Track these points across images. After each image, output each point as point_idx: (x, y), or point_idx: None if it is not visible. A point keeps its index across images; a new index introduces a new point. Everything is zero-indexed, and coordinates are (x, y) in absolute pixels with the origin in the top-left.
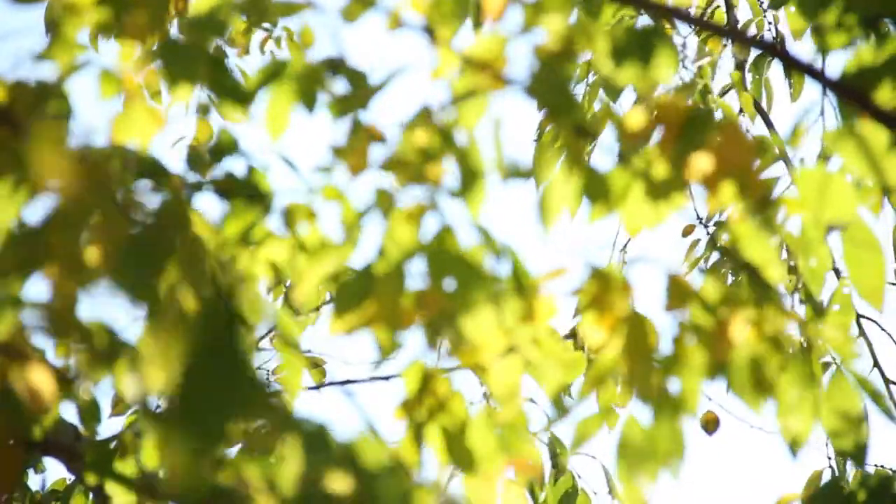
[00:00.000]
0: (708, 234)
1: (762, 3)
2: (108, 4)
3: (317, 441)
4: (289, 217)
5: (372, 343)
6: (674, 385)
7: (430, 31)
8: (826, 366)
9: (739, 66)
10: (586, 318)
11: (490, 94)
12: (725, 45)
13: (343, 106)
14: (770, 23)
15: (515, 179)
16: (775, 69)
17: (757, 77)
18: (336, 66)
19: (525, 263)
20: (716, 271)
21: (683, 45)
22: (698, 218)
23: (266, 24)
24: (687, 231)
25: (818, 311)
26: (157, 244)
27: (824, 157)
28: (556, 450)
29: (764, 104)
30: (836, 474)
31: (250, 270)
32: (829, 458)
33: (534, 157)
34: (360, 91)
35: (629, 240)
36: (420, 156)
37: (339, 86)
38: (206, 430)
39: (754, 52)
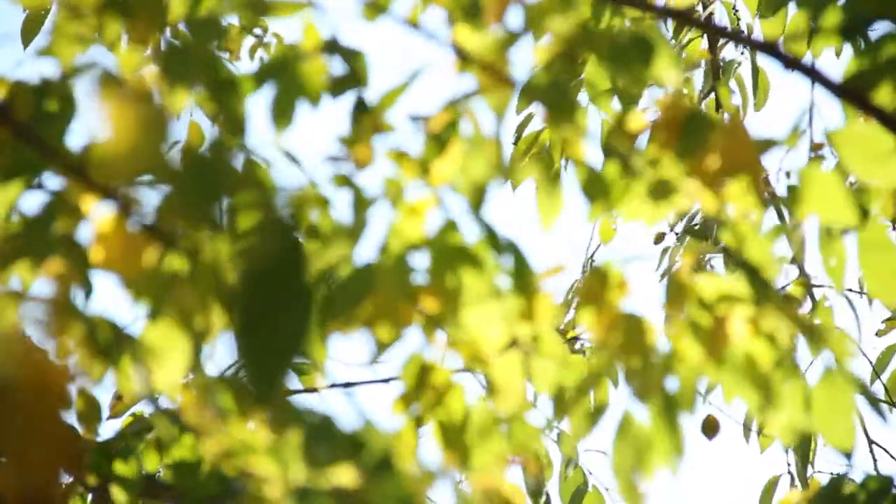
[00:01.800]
0: (678, 241)
1: (736, 10)
2: (110, 7)
3: (322, 431)
4: (299, 204)
5: (370, 342)
6: (671, 382)
7: (447, 30)
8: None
9: (714, 72)
10: (583, 315)
11: (500, 94)
12: (722, 47)
13: (342, 87)
14: (742, 31)
15: (515, 178)
16: (745, 77)
17: (723, 84)
18: (333, 47)
19: (528, 259)
20: (714, 270)
21: (681, 48)
22: (669, 226)
23: (257, 30)
24: (658, 238)
25: (816, 309)
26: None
27: (818, 158)
28: (565, 446)
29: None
30: (796, 481)
31: None
32: (788, 465)
33: (510, 161)
34: (358, 70)
35: (599, 245)
36: (432, 149)
37: (337, 66)
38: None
39: (726, 59)
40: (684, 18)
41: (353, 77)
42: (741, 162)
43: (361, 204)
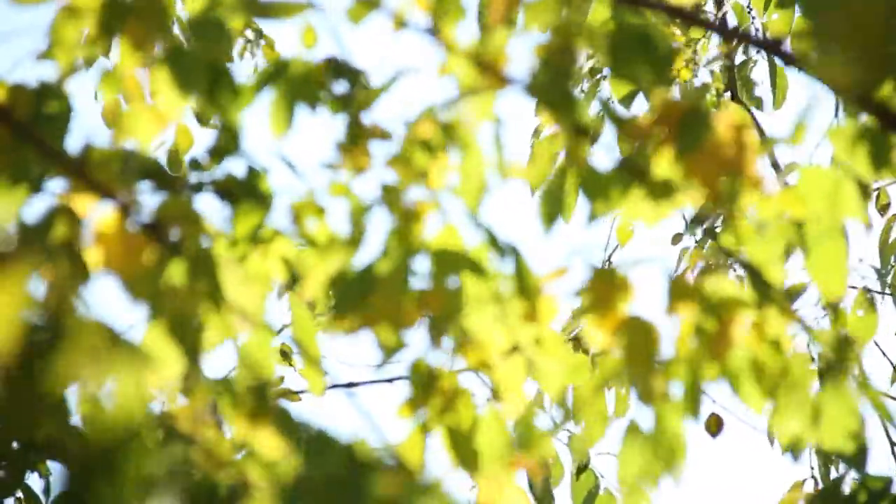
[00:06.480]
0: (696, 242)
1: (750, 10)
2: (110, 8)
3: (317, 444)
4: (296, 214)
5: (374, 344)
6: (675, 387)
7: (434, 29)
8: (827, 369)
9: (727, 68)
10: (588, 319)
11: (494, 93)
12: (727, 47)
13: (343, 105)
14: (757, 29)
15: (516, 179)
16: (759, 74)
17: (741, 82)
18: (338, 67)
19: (528, 262)
20: (716, 272)
21: (694, 50)
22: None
23: (247, 33)
24: (676, 240)
25: (838, 315)
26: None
27: (837, 160)
28: (576, 448)
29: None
30: (819, 483)
31: (261, 270)
32: (812, 468)
33: (528, 160)
34: (361, 90)
35: (617, 246)
36: (424, 154)
37: (340, 86)
38: None
39: (740, 58)
40: (691, 18)
41: (355, 98)
42: (741, 160)
43: (358, 211)
